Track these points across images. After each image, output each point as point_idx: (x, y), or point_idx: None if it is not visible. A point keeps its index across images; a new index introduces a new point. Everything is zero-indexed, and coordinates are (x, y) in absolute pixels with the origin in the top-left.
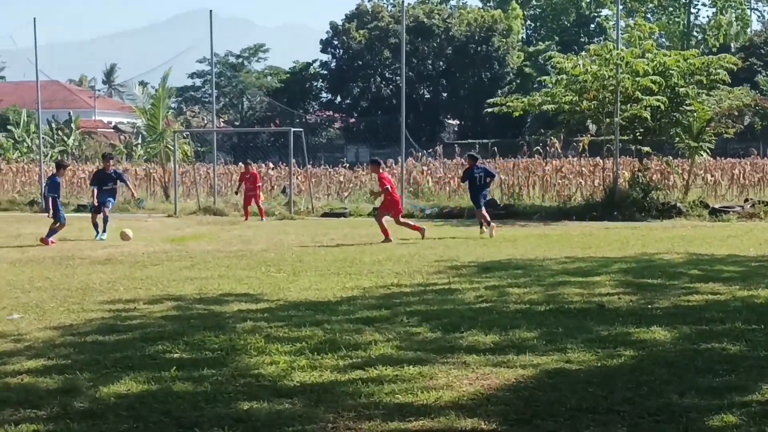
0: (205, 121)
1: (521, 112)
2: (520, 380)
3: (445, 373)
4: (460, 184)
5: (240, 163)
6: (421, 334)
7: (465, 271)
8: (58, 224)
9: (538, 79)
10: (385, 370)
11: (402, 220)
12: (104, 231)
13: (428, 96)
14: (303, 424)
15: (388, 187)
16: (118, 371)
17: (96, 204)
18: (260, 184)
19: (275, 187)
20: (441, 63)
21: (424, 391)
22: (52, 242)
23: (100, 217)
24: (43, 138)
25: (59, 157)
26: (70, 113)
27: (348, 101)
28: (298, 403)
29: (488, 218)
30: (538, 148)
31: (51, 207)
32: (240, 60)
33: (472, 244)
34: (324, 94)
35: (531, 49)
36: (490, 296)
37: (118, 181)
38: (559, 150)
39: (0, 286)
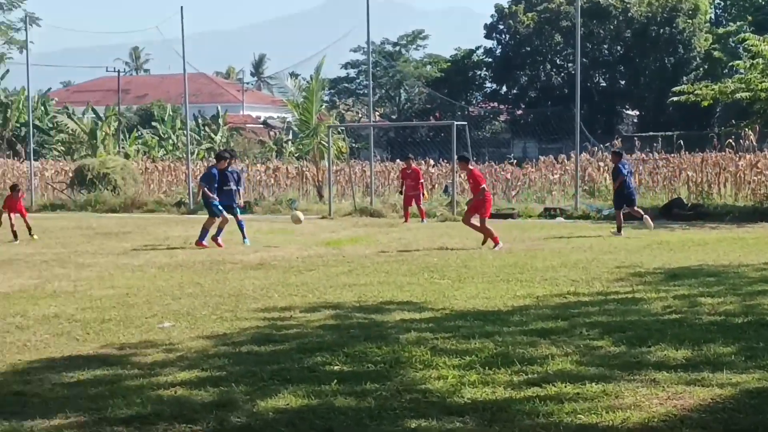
0: (360, 115)
1: (711, 101)
2: (718, 400)
3: (631, 391)
4: (641, 183)
5: (398, 160)
6: (604, 347)
7: (650, 279)
8: (214, 220)
9: (730, 63)
10: (565, 387)
11: (484, 223)
12: (245, 237)
13: (604, 84)
14: None
15: (485, 186)
16: (276, 384)
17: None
18: (423, 181)
19: (436, 186)
20: (618, 47)
21: (609, 411)
22: (219, 244)
23: (217, 222)
24: (189, 134)
25: (219, 149)
26: (217, 108)
27: (515, 91)
28: (469, 421)
29: (622, 222)
30: (730, 141)
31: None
32: (397, 48)
33: (656, 248)
34: (488, 84)
35: (720, 30)
36: (679, 306)
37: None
38: (754, 143)
39: (149, 293)
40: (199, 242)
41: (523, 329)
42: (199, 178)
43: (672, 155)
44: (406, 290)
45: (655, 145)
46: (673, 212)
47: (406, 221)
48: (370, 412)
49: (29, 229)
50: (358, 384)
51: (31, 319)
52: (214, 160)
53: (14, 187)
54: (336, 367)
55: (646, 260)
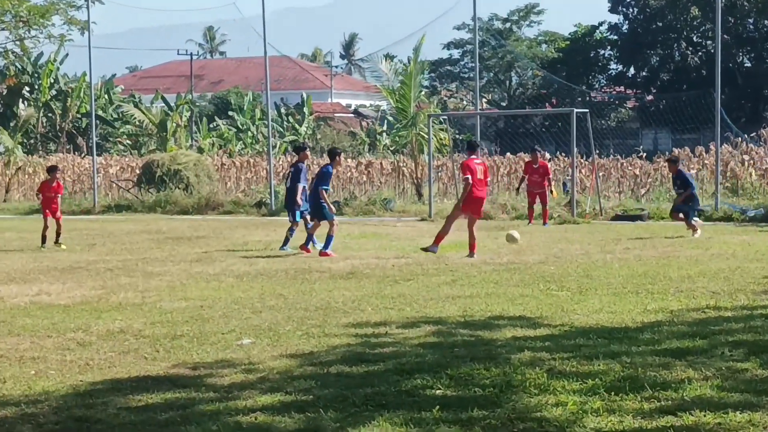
0: (465, 102)
1: None
2: None
3: None
4: None
5: (509, 153)
6: (750, 370)
7: None
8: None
9: None
10: (704, 416)
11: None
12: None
13: (749, 65)
14: None
15: (469, 177)
16: (369, 410)
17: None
18: (550, 177)
19: (553, 183)
20: (767, 22)
21: None
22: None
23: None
24: (271, 125)
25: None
26: (302, 95)
27: (644, 74)
28: None
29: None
30: None
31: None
32: (508, 25)
33: None
34: (613, 66)
35: None
36: None
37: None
38: None
39: (226, 305)
40: (323, 252)
41: (655, 349)
42: (315, 182)
43: None
44: (518, 303)
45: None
46: None
47: (530, 222)
48: None
49: (58, 235)
50: (463, 411)
51: (94, 334)
52: (295, 153)
53: (52, 169)
54: (438, 392)
55: None
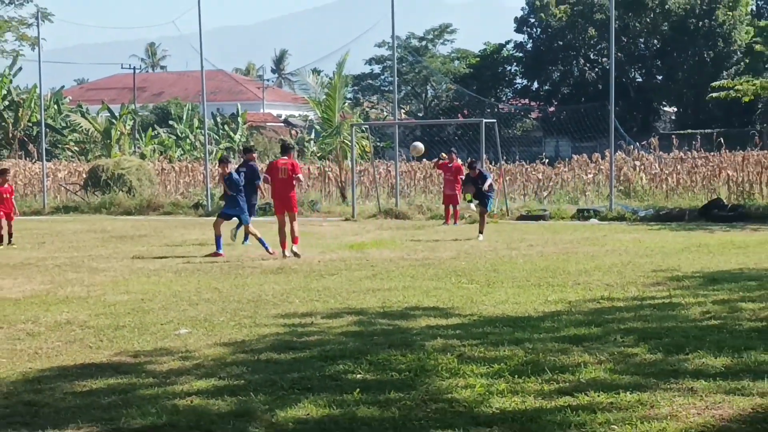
0: (385, 113)
1: (752, 97)
2: (759, 410)
3: (668, 400)
4: (679, 182)
5: (425, 159)
6: (639, 355)
7: (688, 283)
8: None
9: None
10: (598, 396)
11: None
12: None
13: (640, 80)
14: None
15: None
16: (296, 393)
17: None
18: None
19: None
20: (655, 41)
21: (644, 422)
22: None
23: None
24: (207, 133)
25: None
26: (237, 106)
27: (546, 87)
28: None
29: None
30: None
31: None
32: (423, 43)
33: (694, 251)
34: (519, 80)
35: (762, 23)
36: (719, 312)
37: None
38: None
39: (165, 298)
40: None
41: (555, 336)
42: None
43: (712, 153)
44: (432, 295)
45: (693, 143)
46: (712, 213)
47: (446, 222)
48: (394, 422)
49: (10, 235)
50: (381, 393)
51: (43, 325)
52: (245, 153)
53: (2, 172)
54: (359, 376)
55: (683, 264)
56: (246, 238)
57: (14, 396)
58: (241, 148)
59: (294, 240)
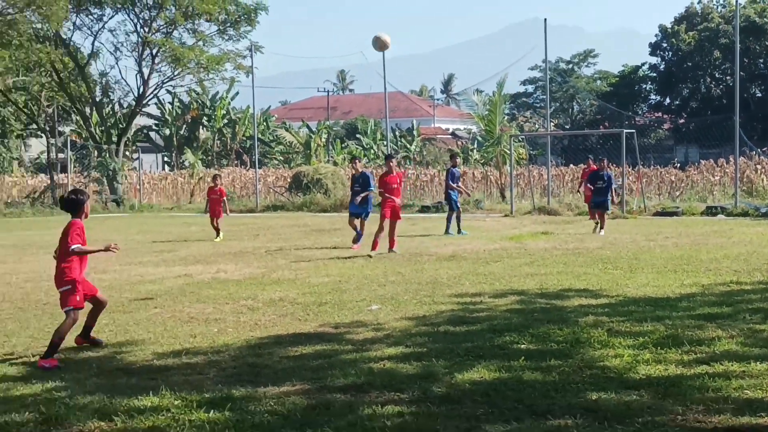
0: (537, 126)
1: None
2: None
3: None
4: None
5: (571, 165)
6: (766, 331)
7: None
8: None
9: None
10: (731, 365)
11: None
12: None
13: (760, 95)
14: (652, 415)
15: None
16: (470, 360)
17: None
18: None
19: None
20: None
21: None
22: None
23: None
24: (389, 144)
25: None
26: (412, 121)
27: (677, 102)
28: (645, 395)
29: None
30: None
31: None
32: (570, 66)
33: None
34: (653, 97)
35: None
36: None
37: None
38: None
39: (359, 280)
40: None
41: (691, 314)
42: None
43: None
44: (582, 279)
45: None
46: None
47: (591, 218)
48: (555, 385)
49: (218, 231)
50: (543, 360)
51: (260, 302)
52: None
53: (215, 177)
54: (522, 346)
55: None
56: (458, 230)
57: (240, 359)
58: (415, 157)
59: (390, 242)
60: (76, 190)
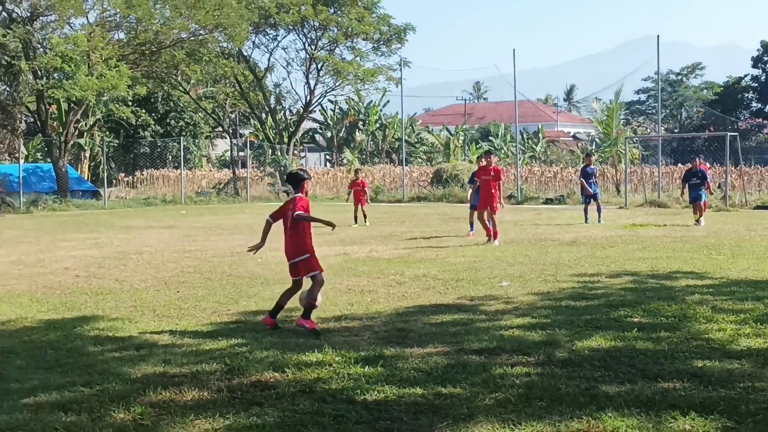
0: (649, 130)
1: None
2: None
3: None
4: None
5: (679, 164)
6: None
7: None
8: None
9: None
10: None
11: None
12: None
13: None
14: (753, 381)
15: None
16: (589, 330)
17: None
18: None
19: (712, 183)
20: None
21: None
22: None
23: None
24: (518, 146)
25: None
26: (538, 126)
27: None
28: (746, 364)
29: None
30: None
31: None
32: (679, 77)
33: None
34: (754, 104)
35: None
36: None
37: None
38: None
39: (491, 261)
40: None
41: None
42: (579, 175)
43: None
44: (689, 263)
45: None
46: None
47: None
48: (664, 353)
49: (365, 216)
50: (653, 332)
51: (407, 277)
52: (585, 159)
53: (356, 171)
54: (635, 319)
55: None
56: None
57: (390, 324)
58: (540, 156)
59: (494, 234)
60: (301, 169)
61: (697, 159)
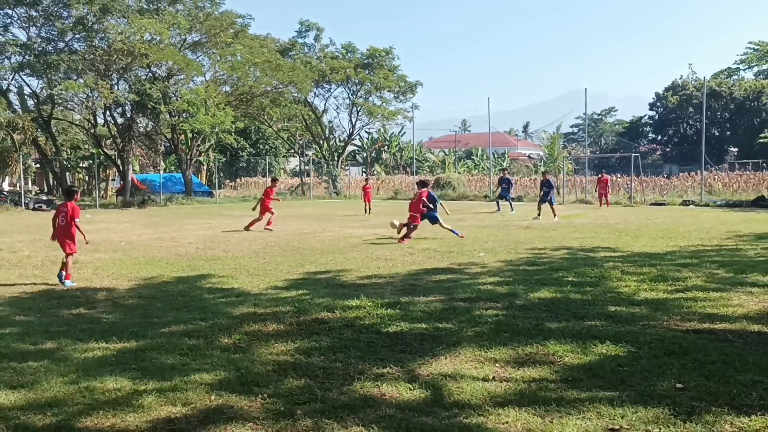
0: (579, 152)
1: None
2: None
3: (737, 297)
4: (740, 187)
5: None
6: (720, 274)
7: (746, 239)
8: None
9: None
10: (698, 293)
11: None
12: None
13: (717, 134)
14: (649, 320)
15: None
16: (538, 286)
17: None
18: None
19: (621, 189)
20: (726, 114)
21: (724, 307)
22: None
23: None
24: (490, 162)
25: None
26: (505, 149)
27: (665, 138)
28: (644, 309)
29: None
30: None
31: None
32: (600, 117)
33: (750, 222)
34: (651, 135)
35: None
36: (764, 254)
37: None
38: None
39: (472, 240)
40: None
41: (672, 263)
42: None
43: (758, 172)
44: (606, 241)
45: (747, 166)
46: (759, 203)
47: (600, 206)
48: (589, 302)
49: (369, 209)
50: (582, 287)
51: (416, 250)
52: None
53: (367, 179)
54: (570, 278)
55: (743, 228)
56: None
57: (405, 281)
58: (506, 169)
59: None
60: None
61: (603, 172)
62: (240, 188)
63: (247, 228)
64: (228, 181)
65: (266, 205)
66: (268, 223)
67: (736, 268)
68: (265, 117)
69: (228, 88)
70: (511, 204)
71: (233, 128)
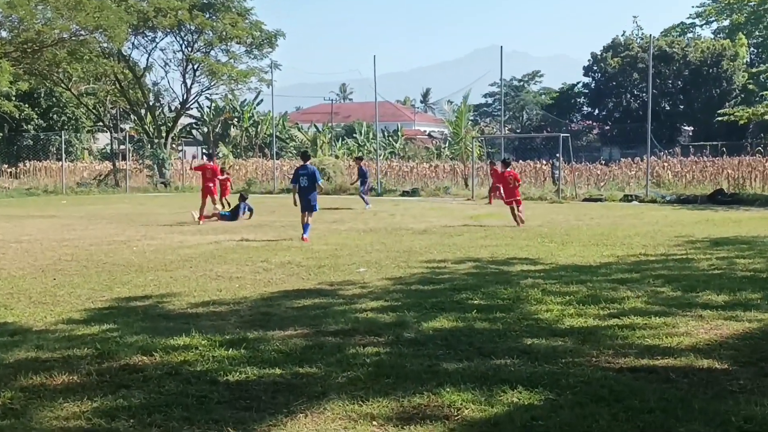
0: (495, 130)
1: (746, 121)
2: (747, 331)
3: (684, 323)
4: (694, 177)
5: (520, 160)
6: (665, 292)
7: (699, 245)
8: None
9: (760, 93)
10: (636, 319)
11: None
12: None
13: (668, 108)
14: (574, 357)
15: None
16: (434, 312)
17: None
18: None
19: (546, 179)
20: (679, 82)
21: (667, 337)
22: None
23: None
24: (378, 142)
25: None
26: (397, 125)
27: (603, 113)
28: (569, 341)
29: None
30: (760, 149)
31: None
32: (521, 83)
33: (704, 224)
34: (585, 108)
35: (754, 69)
36: (720, 265)
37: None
38: None
39: (351, 249)
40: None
41: (607, 278)
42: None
43: (717, 158)
44: (524, 250)
45: (704, 151)
46: (717, 198)
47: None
48: (499, 332)
49: (223, 202)
50: (490, 313)
51: (273, 264)
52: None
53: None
54: (475, 301)
55: (696, 232)
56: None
57: (255, 308)
58: (399, 152)
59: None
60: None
61: (492, 162)
62: (24, 176)
63: (198, 220)
64: (6, 165)
65: (209, 188)
66: (201, 216)
67: (685, 284)
68: (62, 76)
69: (5, 34)
70: (364, 198)
71: (13, 91)
